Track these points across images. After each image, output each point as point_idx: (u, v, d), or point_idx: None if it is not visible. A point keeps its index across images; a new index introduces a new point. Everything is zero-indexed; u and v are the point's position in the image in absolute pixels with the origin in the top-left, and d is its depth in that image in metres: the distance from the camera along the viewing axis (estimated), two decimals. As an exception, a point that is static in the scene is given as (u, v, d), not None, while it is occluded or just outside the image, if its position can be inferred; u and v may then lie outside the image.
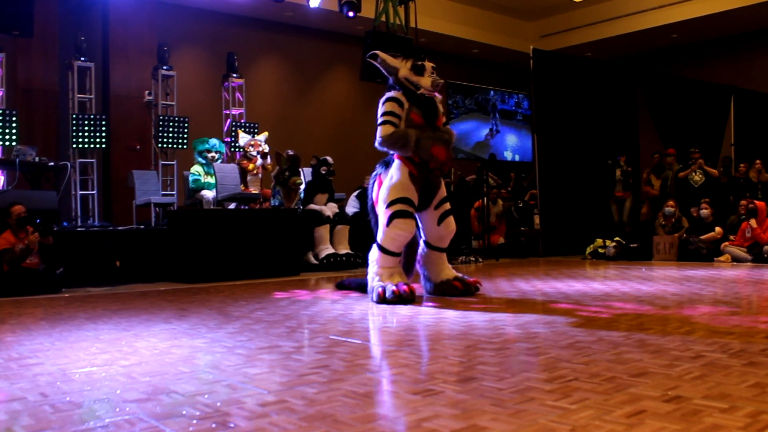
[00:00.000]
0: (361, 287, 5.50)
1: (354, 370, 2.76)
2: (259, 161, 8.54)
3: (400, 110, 5.12)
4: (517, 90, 11.17)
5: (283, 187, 8.76)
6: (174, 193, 9.72)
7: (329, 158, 8.98)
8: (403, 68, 5.19)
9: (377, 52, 5.28)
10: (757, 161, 10.85)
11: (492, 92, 10.56)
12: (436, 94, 5.25)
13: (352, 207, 9.51)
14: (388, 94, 5.24)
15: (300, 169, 9.04)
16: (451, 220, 5.32)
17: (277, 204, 8.66)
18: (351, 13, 9.94)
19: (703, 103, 12.45)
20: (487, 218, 10.27)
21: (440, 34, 13.45)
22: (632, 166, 11.24)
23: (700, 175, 10.49)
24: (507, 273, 7.54)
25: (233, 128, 10.11)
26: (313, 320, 4.26)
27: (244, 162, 8.52)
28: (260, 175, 8.63)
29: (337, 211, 8.77)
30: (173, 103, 10.11)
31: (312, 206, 8.63)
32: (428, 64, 5.20)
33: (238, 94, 11.03)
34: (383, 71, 5.31)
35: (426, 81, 5.13)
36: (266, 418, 2.10)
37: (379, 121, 5.17)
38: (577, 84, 11.32)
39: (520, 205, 11.74)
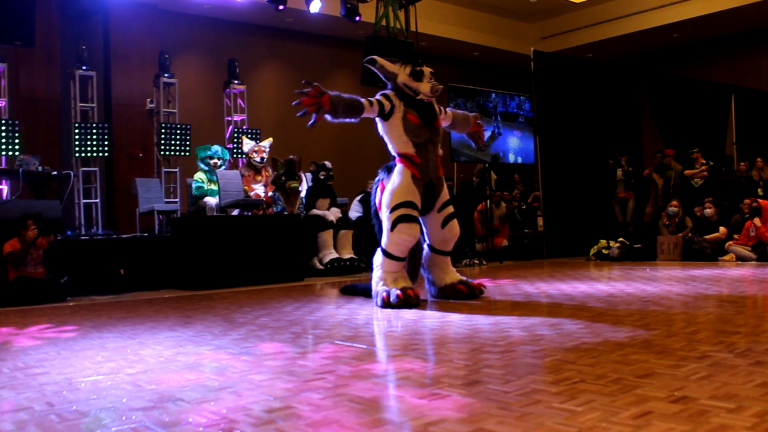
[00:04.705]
0: (366, 292, 5.50)
1: (359, 375, 2.76)
2: (262, 191, 8.63)
3: (387, 103, 5.11)
4: (519, 92, 11.16)
5: (280, 191, 8.77)
6: (177, 200, 9.74)
7: (327, 163, 9.00)
8: (402, 74, 5.17)
9: (375, 57, 5.27)
10: (759, 159, 10.85)
11: (493, 95, 10.53)
12: (435, 101, 5.27)
13: (355, 212, 9.52)
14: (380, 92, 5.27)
15: (299, 174, 9.05)
16: (454, 223, 5.31)
17: (279, 210, 8.66)
18: (357, 18, 9.96)
19: (704, 102, 12.45)
20: (490, 221, 10.27)
21: (441, 37, 13.47)
22: (634, 166, 11.23)
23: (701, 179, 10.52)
24: (511, 275, 7.53)
25: (235, 134, 10.13)
26: (318, 326, 4.26)
27: (246, 178, 8.56)
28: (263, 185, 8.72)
29: (341, 215, 8.76)
30: (175, 110, 10.14)
31: (315, 211, 8.63)
32: (427, 70, 5.18)
33: (239, 101, 11.05)
34: (381, 76, 5.31)
35: (425, 86, 5.11)
36: (272, 425, 2.10)
37: None
38: (579, 85, 11.32)
39: (524, 207, 11.73)
